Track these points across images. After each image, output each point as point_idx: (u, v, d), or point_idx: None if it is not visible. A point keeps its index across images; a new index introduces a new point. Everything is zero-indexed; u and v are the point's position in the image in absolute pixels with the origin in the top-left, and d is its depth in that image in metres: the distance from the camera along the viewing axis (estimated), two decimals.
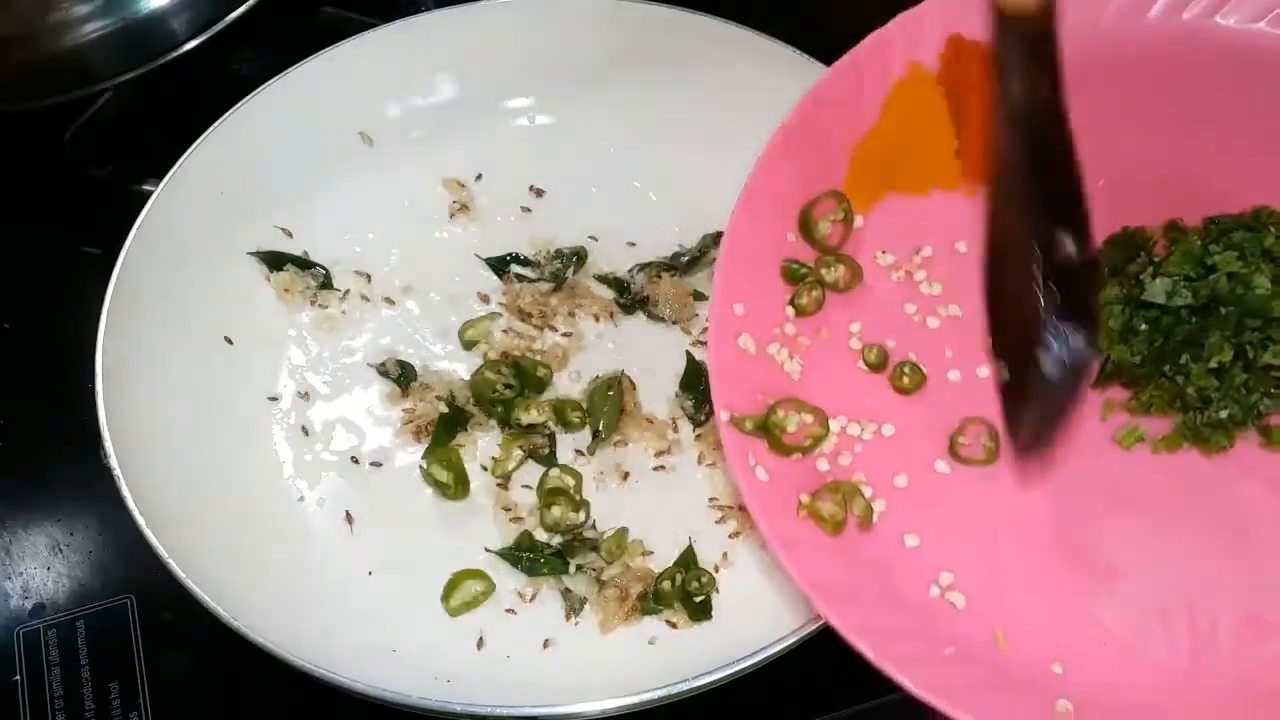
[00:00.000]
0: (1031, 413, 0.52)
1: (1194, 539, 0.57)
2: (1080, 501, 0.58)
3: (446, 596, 0.62)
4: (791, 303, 0.61)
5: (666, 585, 0.61)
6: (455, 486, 0.65)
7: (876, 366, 0.61)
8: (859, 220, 0.63)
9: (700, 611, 0.61)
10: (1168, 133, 0.63)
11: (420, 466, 0.65)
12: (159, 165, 0.68)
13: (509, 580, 0.63)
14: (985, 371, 0.60)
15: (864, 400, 0.60)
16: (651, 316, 0.71)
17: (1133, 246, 0.61)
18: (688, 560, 0.63)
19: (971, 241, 0.62)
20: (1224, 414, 0.58)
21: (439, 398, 0.67)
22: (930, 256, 0.63)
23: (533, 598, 0.62)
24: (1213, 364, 0.57)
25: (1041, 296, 0.48)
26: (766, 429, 0.57)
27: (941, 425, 0.59)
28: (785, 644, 0.55)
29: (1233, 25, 0.61)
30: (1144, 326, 0.59)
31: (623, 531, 0.63)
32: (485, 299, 0.72)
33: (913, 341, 0.61)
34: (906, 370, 0.60)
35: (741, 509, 0.64)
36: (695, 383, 0.68)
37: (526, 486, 0.65)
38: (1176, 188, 0.62)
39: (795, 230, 0.62)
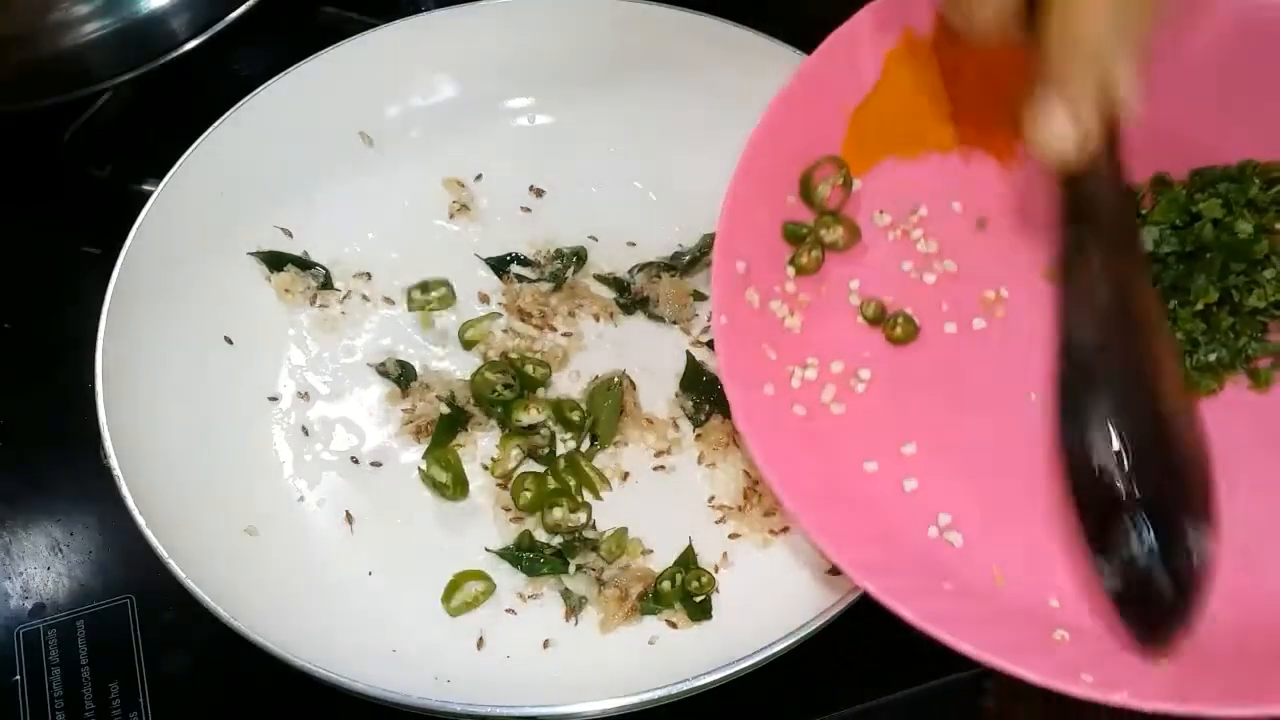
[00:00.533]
0: (1139, 612, 0.49)
1: None
2: None
3: (447, 597, 0.62)
4: (792, 262, 0.62)
5: (666, 585, 0.61)
6: (454, 487, 0.65)
7: (875, 321, 0.63)
8: (857, 183, 0.64)
9: (700, 611, 0.61)
10: (1159, 91, 0.62)
11: (419, 469, 0.65)
12: (159, 165, 0.68)
13: (509, 580, 0.63)
14: (981, 323, 0.62)
15: (862, 352, 0.62)
16: (651, 316, 0.71)
17: None
18: (688, 560, 0.63)
19: (965, 201, 0.64)
20: (1212, 357, 0.59)
21: (439, 398, 0.67)
22: (926, 216, 0.64)
23: (533, 598, 0.62)
24: (1199, 307, 0.58)
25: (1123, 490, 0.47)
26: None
27: (939, 374, 0.61)
28: (785, 644, 0.55)
29: None
30: None
31: (622, 531, 0.63)
32: (485, 299, 0.72)
33: (910, 296, 0.63)
34: (900, 321, 0.62)
35: (741, 509, 0.64)
36: (695, 383, 0.68)
37: (527, 489, 0.65)
38: (1167, 144, 0.62)
39: (796, 193, 0.63)
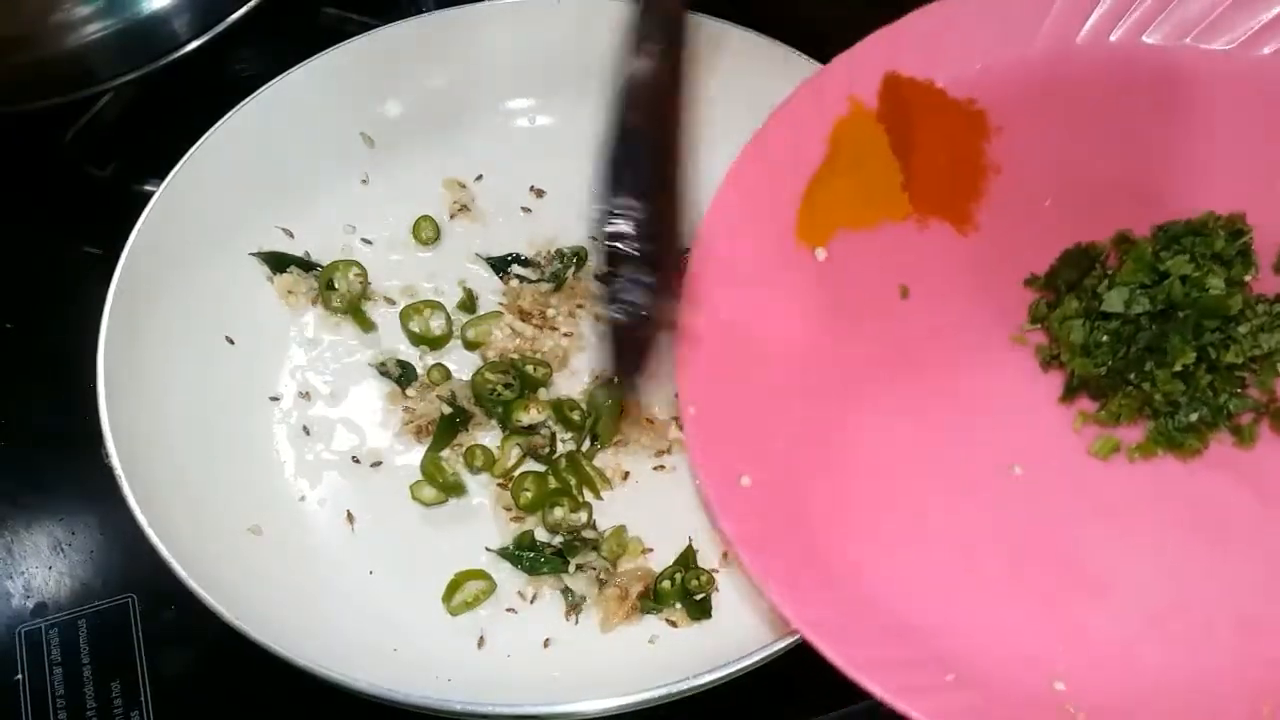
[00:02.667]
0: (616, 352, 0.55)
1: (1180, 544, 0.57)
2: (1064, 516, 0.58)
3: (448, 596, 0.62)
4: None
5: (666, 584, 0.62)
6: (449, 494, 0.65)
7: None
8: (821, 253, 0.62)
9: (700, 610, 0.61)
10: (1108, 149, 0.63)
11: (409, 489, 0.65)
12: (160, 165, 0.68)
13: (510, 579, 0.63)
14: (954, 393, 0.61)
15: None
16: None
17: (1086, 260, 0.62)
18: (687, 559, 0.63)
19: (923, 269, 0.63)
20: (1194, 417, 0.58)
21: (439, 397, 0.67)
22: (890, 284, 0.63)
23: (533, 597, 0.63)
24: (1177, 367, 0.57)
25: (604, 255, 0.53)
26: None
27: (915, 450, 0.60)
28: (785, 643, 0.55)
29: (1159, 44, 0.62)
30: (1105, 338, 0.59)
31: (621, 529, 0.64)
32: (472, 302, 0.72)
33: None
34: None
35: None
36: None
37: (527, 489, 0.65)
38: (1122, 200, 0.62)
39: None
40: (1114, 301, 0.59)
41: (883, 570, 0.56)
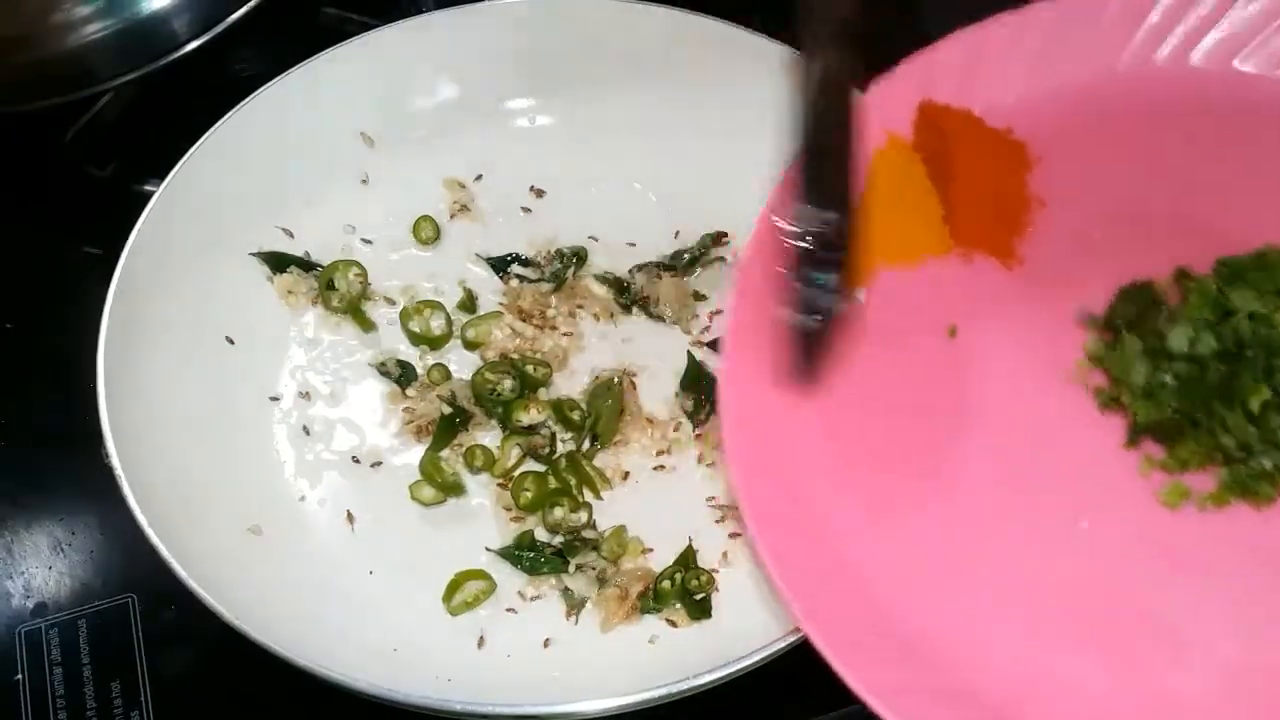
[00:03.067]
0: (798, 351, 0.55)
1: (1257, 596, 0.54)
2: (1138, 569, 0.55)
3: (448, 596, 0.62)
4: None
5: (666, 584, 0.62)
6: (448, 493, 0.65)
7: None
8: (860, 294, 0.59)
9: (700, 610, 0.61)
10: (1156, 179, 0.61)
11: (408, 489, 0.65)
12: (160, 165, 0.68)
13: (510, 579, 0.63)
14: (1017, 441, 0.58)
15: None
16: (651, 316, 0.71)
17: (1145, 298, 0.59)
18: (688, 559, 0.63)
19: (969, 308, 0.61)
20: (1267, 463, 0.55)
21: (440, 397, 0.67)
22: (934, 326, 0.61)
23: (533, 597, 0.63)
24: (1253, 408, 0.54)
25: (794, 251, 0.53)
26: None
27: (978, 498, 0.57)
28: (785, 643, 0.55)
29: (1205, 68, 0.60)
30: (1169, 379, 0.56)
31: (621, 529, 0.64)
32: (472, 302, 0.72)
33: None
34: None
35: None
36: (695, 383, 0.68)
37: (527, 489, 0.65)
38: (1175, 232, 0.60)
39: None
40: (1178, 340, 0.56)
41: (949, 636, 0.53)
